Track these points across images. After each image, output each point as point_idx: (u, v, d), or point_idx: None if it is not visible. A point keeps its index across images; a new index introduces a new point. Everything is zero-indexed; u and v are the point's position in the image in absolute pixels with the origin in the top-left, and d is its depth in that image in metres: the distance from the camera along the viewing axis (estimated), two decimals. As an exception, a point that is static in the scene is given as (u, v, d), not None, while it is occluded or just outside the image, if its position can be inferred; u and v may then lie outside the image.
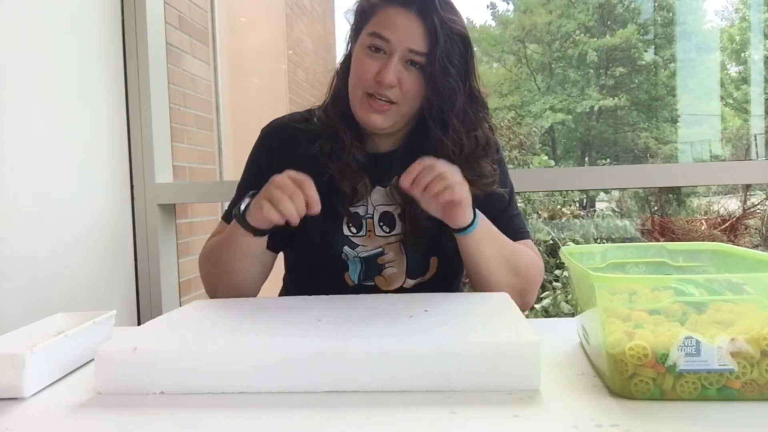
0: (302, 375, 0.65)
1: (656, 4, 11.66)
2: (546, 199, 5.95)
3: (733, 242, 4.91)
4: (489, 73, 12.10)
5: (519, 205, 1.16)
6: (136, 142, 1.61)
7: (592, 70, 11.89)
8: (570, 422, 0.56)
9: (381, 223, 1.07)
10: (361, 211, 1.07)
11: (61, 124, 1.36)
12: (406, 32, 0.97)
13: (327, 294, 0.95)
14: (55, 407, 0.65)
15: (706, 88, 10.67)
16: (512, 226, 1.10)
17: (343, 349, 0.66)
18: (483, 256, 1.00)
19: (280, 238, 1.05)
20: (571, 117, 11.61)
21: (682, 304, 0.63)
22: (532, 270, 1.06)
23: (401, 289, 1.08)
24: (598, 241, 5.23)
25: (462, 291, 1.21)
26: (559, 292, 3.88)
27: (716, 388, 0.60)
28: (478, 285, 1.04)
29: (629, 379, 0.61)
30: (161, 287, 1.63)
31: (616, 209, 6.76)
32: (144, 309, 1.63)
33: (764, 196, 5.48)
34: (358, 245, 1.07)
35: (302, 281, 1.15)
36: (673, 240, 4.90)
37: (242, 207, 0.98)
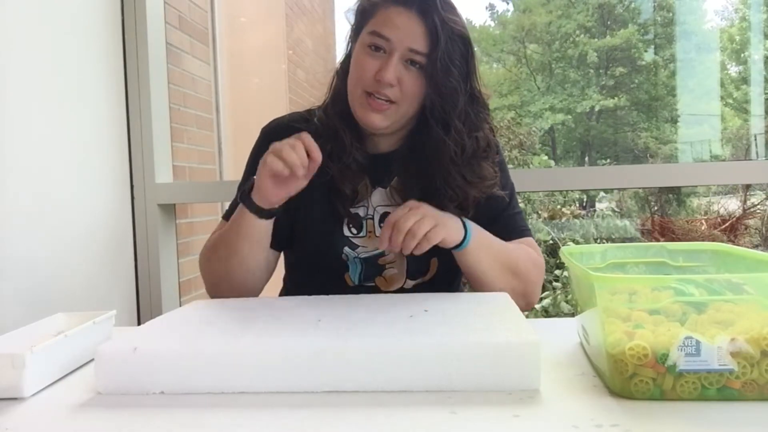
0: (302, 375, 0.65)
1: (656, 4, 11.66)
2: (546, 199, 5.95)
3: (733, 242, 4.91)
4: (489, 73, 12.10)
5: (518, 201, 1.16)
6: (136, 142, 1.61)
7: (592, 70, 11.89)
8: (570, 422, 0.56)
9: (381, 224, 1.07)
10: (361, 212, 1.07)
11: (61, 124, 1.36)
12: (407, 31, 0.97)
13: (327, 294, 0.95)
14: (55, 407, 0.65)
15: (706, 88, 10.67)
16: (513, 225, 1.10)
17: (343, 349, 0.66)
18: (480, 266, 1.01)
19: (281, 237, 1.04)
20: (571, 117, 11.61)
21: (682, 304, 0.63)
22: (533, 270, 1.06)
23: (401, 290, 1.08)
24: (598, 241, 5.23)
25: (462, 291, 1.21)
26: (559, 292, 3.88)
27: (716, 388, 0.60)
28: (478, 290, 1.04)
29: (629, 379, 0.61)
30: (161, 287, 1.63)
31: (616, 209, 6.76)
32: (144, 309, 1.63)
33: (764, 196, 5.48)
34: (359, 246, 1.07)
35: (302, 281, 1.15)
36: (673, 240, 4.89)
37: (247, 188, 0.98)
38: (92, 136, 1.48)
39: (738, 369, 0.60)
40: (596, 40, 11.62)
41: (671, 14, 11.71)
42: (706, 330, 0.60)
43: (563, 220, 5.54)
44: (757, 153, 8.16)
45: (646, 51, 11.65)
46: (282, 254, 1.14)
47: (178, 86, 2.32)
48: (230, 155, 2.90)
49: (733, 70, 11.19)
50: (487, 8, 13.13)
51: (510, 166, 1.20)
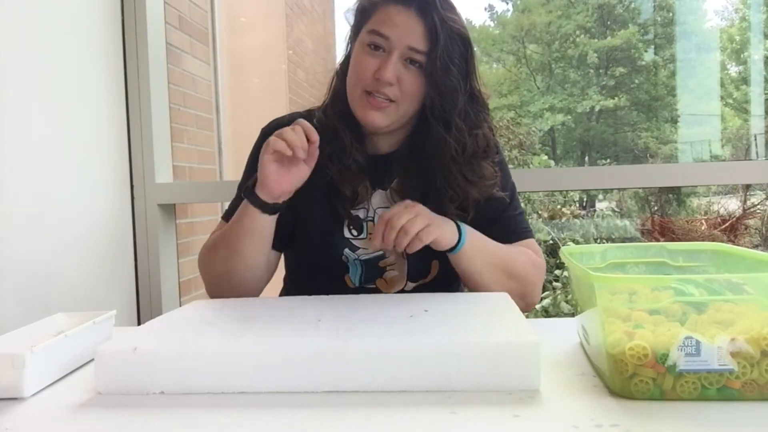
0: (302, 375, 0.65)
1: (656, 4, 11.66)
2: (546, 199, 5.96)
3: (733, 242, 4.91)
4: (489, 72, 12.10)
5: (520, 202, 1.16)
6: (136, 142, 1.61)
7: (592, 71, 11.89)
8: (570, 422, 0.56)
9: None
10: (361, 213, 1.07)
11: (61, 124, 1.36)
12: (406, 30, 0.97)
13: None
14: (55, 407, 0.65)
15: (706, 88, 10.67)
16: (514, 226, 1.09)
17: (343, 349, 0.66)
18: (476, 269, 1.01)
19: (282, 236, 1.04)
20: (571, 118, 11.61)
21: (682, 304, 0.63)
22: (532, 272, 1.06)
23: (402, 292, 1.08)
24: (598, 241, 5.24)
25: (462, 291, 1.21)
26: (559, 292, 3.88)
27: (716, 388, 0.60)
28: (475, 292, 1.04)
29: (629, 379, 0.61)
30: (161, 287, 1.63)
31: (616, 209, 6.76)
32: (144, 309, 1.63)
33: (764, 196, 5.48)
34: (359, 248, 1.07)
35: (302, 282, 1.15)
36: (673, 240, 4.90)
37: (251, 184, 0.98)
38: (92, 136, 1.48)
39: (738, 369, 0.60)
40: (596, 40, 11.62)
41: (671, 14, 11.71)
42: (706, 330, 0.60)
43: (563, 220, 5.54)
44: (757, 153, 8.16)
45: (646, 51, 11.66)
46: (282, 255, 1.14)
47: (178, 86, 2.32)
48: (230, 155, 2.90)
49: (733, 70, 11.20)
50: (486, 9, 13.14)
51: (510, 166, 1.20)
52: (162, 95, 1.67)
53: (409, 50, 0.98)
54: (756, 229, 5.37)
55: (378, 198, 1.08)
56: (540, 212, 5.75)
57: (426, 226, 0.94)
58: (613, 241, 5.23)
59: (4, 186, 1.18)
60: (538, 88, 12.10)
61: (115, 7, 1.57)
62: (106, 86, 1.53)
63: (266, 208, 0.96)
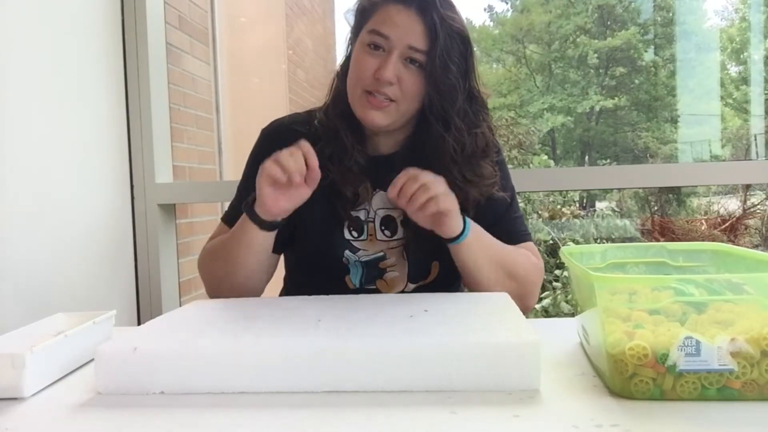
0: (302, 375, 0.65)
1: (656, 4, 11.66)
2: (546, 199, 5.96)
3: (733, 242, 4.91)
4: (488, 72, 12.09)
5: (519, 205, 1.16)
6: (136, 142, 1.61)
7: (592, 71, 11.89)
8: (570, 422, 0.56)
9: (382, 227, 1.07)
10: (362, 215, 1.07)
11: (61, 124, 1.36)
12: (406, 29, 0.97)
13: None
14: (55, 407, 0.65)
15: (706, 88, 10.67)
16: (513, 229, 1.09)
17: (343, 349, 0.66)
18: (476, 264, 1.00)
19: (281, 239, 1.04)
20: (571, 119, 11.61)
21: (682, 304, 0.63)
22: (532, 274, 1.06)
23: (402, 293, 1.08)
24: (598, 241, 5.24)
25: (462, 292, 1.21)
26: (559, 292, 3.88)
27: (716, 388, 0.60)
28: (474, 290, 1.03)
29: (629, 379, 0.61)
30: (161, 287, 1.63)
31: (616, 209, 6.76)
32: (144, 309, 1.63)
33: (764, 196, 5.48)
34: (359, 249, 1.07)
35: (302, 283, 1.15)
36: (673, 240, 4.90)
37: (251, 200, 0.98)
38: (92, 136, 1.48)
39: (738, 369, 0.60)
40: (596, 40, 11.62)
41: (671, 14, 11.70)
42: (706, 330, 0.60)
43: (563, 220, 5.54)
44: (757, 153, 8.16)
45: (646, 51, 11.65)
46: (282, 255, 1.14)
47: (178, 86, 2.32)
48: (230, 155, 2.90)
49: (733, 70, 11.20)
50: (485, 10, 13.14)
51: (510, 166, 1.20)
52: (162, 95, 1.67)
53: (409, 49, 0.98)
54: (756, 229, 5.37)
55: (379, 199, 1.07)
56: (540, 212, 5.75)
57: (445, 194, 0.93)
58: (613, 241, 5.23)
59: (4, 186, 1.18)
60: (538, 88, 12.10)
61: (115, 7, 1.57)
62: (106, 86, 1.53)
63: (264, 225, 0.97)
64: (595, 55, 11.50)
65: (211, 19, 2.74)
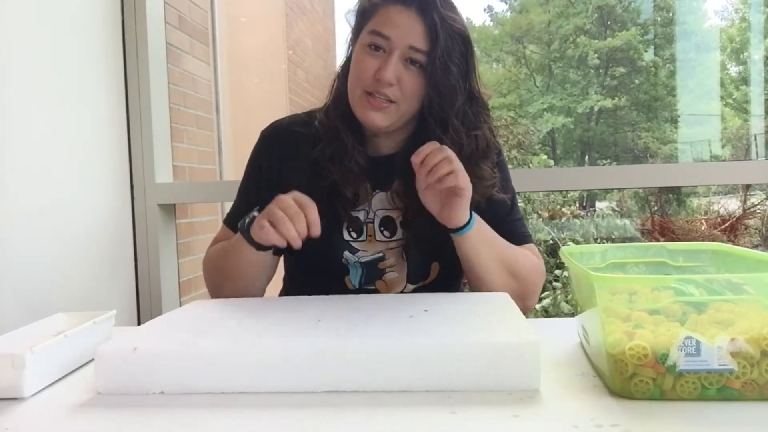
0: (302, 375, 0.65)
1: (656, 5, 11.65)
2: (546, 199, 5.96)
3: (733, 242, 4.91)
4: (488, 72, 12.09)
5: (519, 205, 1.16)
6: (136, 142, 1.61)
7: (592, 71, 11.89)
8: (570, 422, 0.56)
9: (382, 228, 1.07)
10: (361, 215, 1.07)
11: (61, 124, 1.36)
12: (407, 30, 0.97)
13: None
14: (55, 407, 0.65)
15: (706, 88, 10.66)
16: (515, 231, 1.09)
17: (343, 349, 0.66)
18: (479, 258, 1.00)
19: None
20: (570, 119, 11.60)
21: (682, 304, 0.63)
22: (533, 274, 1.06)
23: (402, 294, 1.08)
24: (598, 241, 5.24)
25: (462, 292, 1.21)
26: (559, 292, 3.88)
27: (716, 388, 0.60)
28: (475, 287, 1.03)
29: (629, 379, 0.61)
30: (161, 287, 1.63)
31: (616, 209, 6.76)
32: (144, 309, 1.63)
33: (764, 196, 5.48)
34: (359, 250, 1.06)
35: (302, 283, 1.15)
36: (673, 240, 4.90)
37: (247, 221, 0.98)
38: (92, 136, 1.48)
39: (738, 369, 0.60)
40: (596, 41, 11.62)
41: (671, 14, 11.70)
42: (706, 330, 0.60)
43: (563, 220, 5.54)
44: (757, 153, 8.16)
45: (646, 51, 11.65)
46: (282, 256, 1.14)
47: (178, 86, 2.32)
48: (230, 155, 2.90)
49: (733, 70, 11.19)
50: (485, 10, 13.13)
51: (509, 166, 1.20)
52: (162, 95, 1.67)
53: (409, 49, 0.98)
54: (756, 229, 5.37)
55: (378, 200, 1.07)
56: (540, 212, 5.75)
57: (461, 169, 0.93)
58: (613, 241, 5.23)
59: (4, 186, 1.18)
60: (537, 87, 12.10)
61: (115, 7, 1.57)
62: (106, 86, 1.53)
63: (261, 247, 0.97)
64: (596, 55, 11.50)
65: (211, 19, 2.74)
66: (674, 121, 11.22)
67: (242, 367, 0.66)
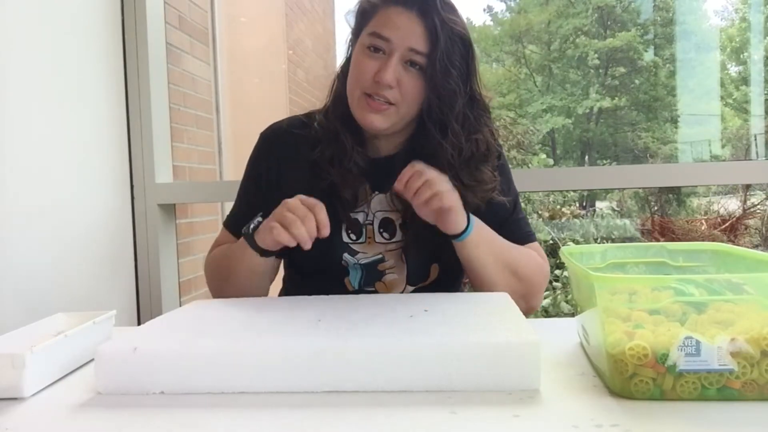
0: (302, 375, 0.65)
1: (656, 5, 11.65)
2: (546, 199, 5.96)
3: (733, 242, 4.91)
4: (488, 72, 12.09)
5: (523, 210, 1.16)
6: (136, 142, 1.61)
7: (592, 71, 11.88)
8: (570, 422, 0.56)
9: (381, 230, 1.06)
10: (360, 217, 1.07)
11: (61, 124, 1.36)
12: (407, 31, 0.97)
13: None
14: (55, 407, 0.65)
15: (706, 88, 10.66)
16: (518, 231, 1.09)
17: (343, 349, 0.66)
18: (480, 261, 1.00)
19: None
20: (571, 121, 11.60)
21: (682, 304, 0.63)
22: (536, 274, 1.05)
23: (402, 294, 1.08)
24: (598, 241, 5.24)
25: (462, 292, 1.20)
26: (559, 292, 3.88)
27: (716, 388, 0.60)
28: (478, 288, 1.03)
29: (629, 379, 0.61)
30: (161, 287, 1.63)
31: (616, 209, 6.76)
32: (144, 309, 1.63)
33: (764, 196, 5.48)
34: (358, 252, 1.06)
35: (302, 284, 1.15)
36: (673, 240, 4.90)
37: (251, 227, 0.98)
38: (92, 136, 1.48)
39: (738, 369, 0.60)
40: (596, 41, 11.61)
41: (671, 14, 11.70)
42: (706, 330, 0.60)
43: (563, 220, 5.54)
44: (757, 153, 8.16)
45: (645, 51, 11.65)
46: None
47: (178, 86, 2.32)
48: (230, 155, 2.90)
49: (733, 70, 11.19)
50: (485, 10, 13.13)
51: (509, 166, 1.19)
52: (162, 95, 1.67)
53: (409, 51, 0.97)
54: (756, 229, 5.37)
55: (377, 201, 1.07)
56: (540, 212, 5.75)
57: (449, 191, 0.94)
58: (613, 241, 5.23)
59: (4, 186, 1.18)
60: (537, 87, 12.10)
61: (115, 7, 1.57)
62: (106, 86, 1.53)
63: (265, 253, 0.98)
64: (595, 55, 11.50)
65: (211, 19, 2.74)
66: (674, 121, 11.21)
67: (242, 367, 0.66)
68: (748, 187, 5.34)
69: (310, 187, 0.98)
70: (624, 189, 5.72)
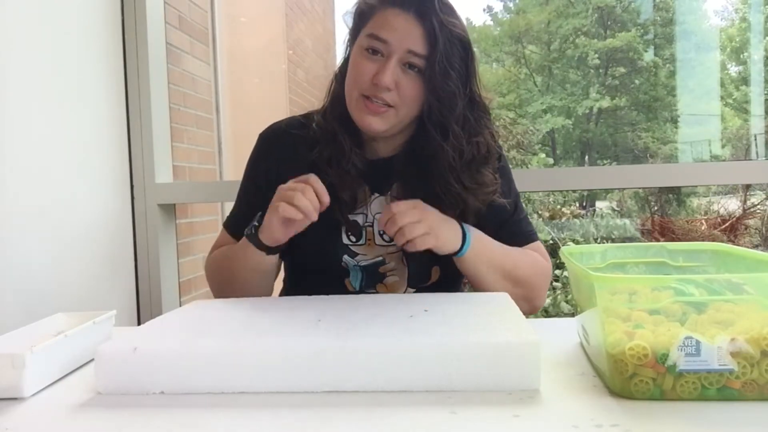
0: (302, 375, 0.65)
1: (656, 5, 11.65)
2: (546, 199, 5.96)
3: (733, 242, 4.91)
4: (488, 73, 12.09)
5: (524, 210, 1.16)
6: (136, 142, 1.61)
7: (592, 71, 11.89)
8: (570, 422, 0.56)
9: (381, 232, 1.05)
10: (360, 219, 1.06)
11: (61, 124, 1.36)
12: (405, 33, 0.96)
13: None
14: (55, 407, 0.65)
15: (706, 88, 10.67)
16: (519, 231, 1.09)
17: (343, 349, 0.66)
18: (480, 273, 1.01)
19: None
20: (570, 121, 11.61)
21: (682, 304, 0.63)
22: (537, 276, 1.05)
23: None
24: (598, 241, 5.24)
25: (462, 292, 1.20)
26: (559, 292, 3.88)
27: (716, 388, 0.60)
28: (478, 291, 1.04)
29: (629, 379, 0.61)
30: (161, 287, 1.63)
31: (616, 209, 6.76)
32: (144, 309, 1.63)
33: (764, 196, 5.48)
34: (358, 254, 1.06)
35: (302, 285, 1.14)
36: (673, 240, 4.90)
37: (254, 225, 0.99)
38: (92, 136, 1.48)
39: (738, 369, 0.60)
40: (596, 41, 11.62)
41: (671, 14, 11.70)
42: (706, 330, 0.60)
43: (563, 220, 5.55)
44: (757, 153, 8.16)
45: (645, 51, 11.65)
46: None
47: (178, 86, 2.32)
48: (230, 155, 2.90)
49: (733, 70, 11.20)
50: (485, 10, 13.13)
51: (509, 166, 1.19)
52: (162, 95, 1.67)
53: (407, 53, 0.96)
54: (756, 229, 5.37)
55: (377, 203, 1.07)
56: (540, 212, 5.76)
57: (425, 234, 0.94)
58: (613, 241, 5.23)
59: (4, 186, 1.18)
60: (537, 87, 12.10)
61: (115, 7, 1.57)
62: (106, 86, 1.53)
63: (269, 250, 0.98)
64: (595, 55, 11.50)
65: (211, 19, 2.74)
66: (674, 121, 11.22)
67: (242, 367, 0.66)
68: (748, 187, 5.34)
69: None
70: (624, 189, 5.72)
